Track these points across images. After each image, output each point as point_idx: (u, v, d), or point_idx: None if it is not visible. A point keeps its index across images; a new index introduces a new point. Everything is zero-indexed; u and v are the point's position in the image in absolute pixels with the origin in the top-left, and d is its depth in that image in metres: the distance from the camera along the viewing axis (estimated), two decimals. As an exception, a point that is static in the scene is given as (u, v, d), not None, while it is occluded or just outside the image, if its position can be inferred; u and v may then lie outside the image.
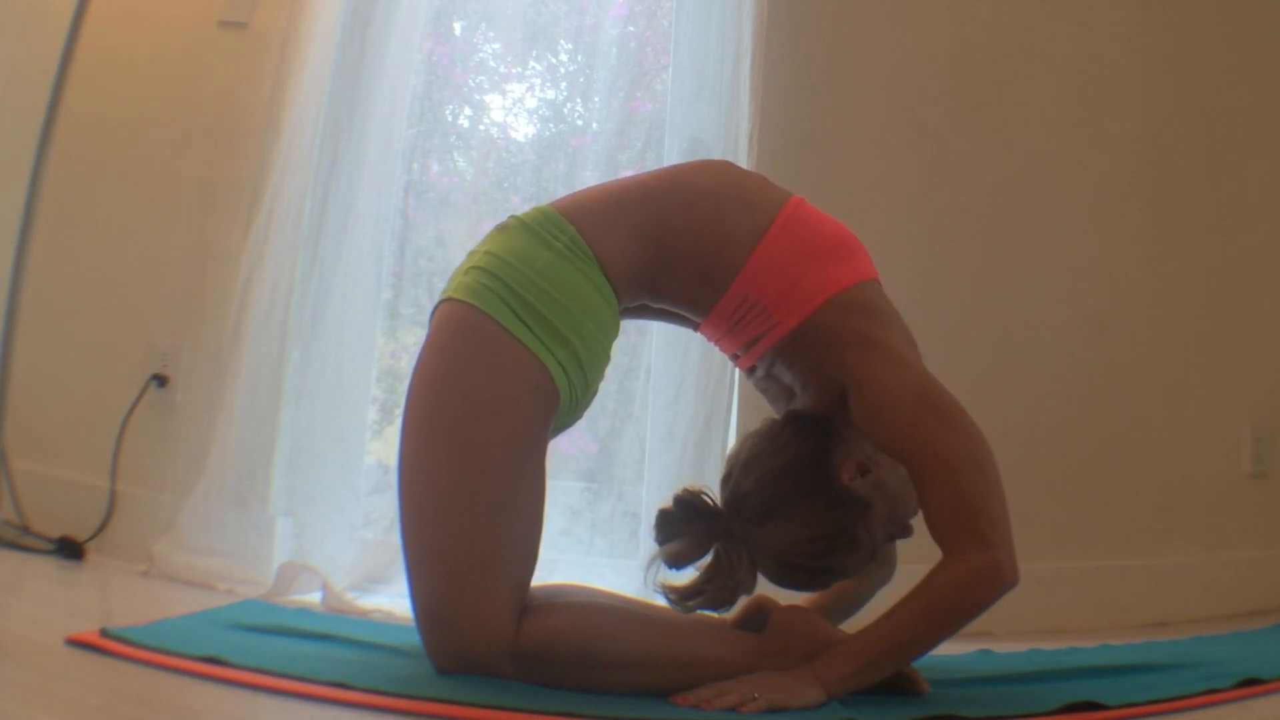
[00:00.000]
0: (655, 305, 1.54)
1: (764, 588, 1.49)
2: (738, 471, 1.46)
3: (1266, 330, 2.55)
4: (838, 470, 1.43)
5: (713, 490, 1.48)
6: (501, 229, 1.48)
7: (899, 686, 1.39)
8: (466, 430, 1.35)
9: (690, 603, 1.43)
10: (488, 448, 1.35)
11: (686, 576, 1.46)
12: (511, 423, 1.36)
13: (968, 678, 1.55)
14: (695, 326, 1.57)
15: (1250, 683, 1.37)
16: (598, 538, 2.28)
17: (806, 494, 1.42)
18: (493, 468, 1.35)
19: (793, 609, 1.47)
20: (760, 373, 1.56)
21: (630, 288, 1.46)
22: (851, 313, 1.44)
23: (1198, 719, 1.28)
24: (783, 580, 1.47)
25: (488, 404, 1.36)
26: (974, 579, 1.29)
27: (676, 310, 1.55)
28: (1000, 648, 1.85)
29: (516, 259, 1.40)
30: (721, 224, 1.47)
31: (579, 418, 1.54)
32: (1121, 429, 2.43)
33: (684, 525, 1.44)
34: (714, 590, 1.43)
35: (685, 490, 1.47)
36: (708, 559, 1.45)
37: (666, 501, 1.47)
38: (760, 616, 1.48)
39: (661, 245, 1.45)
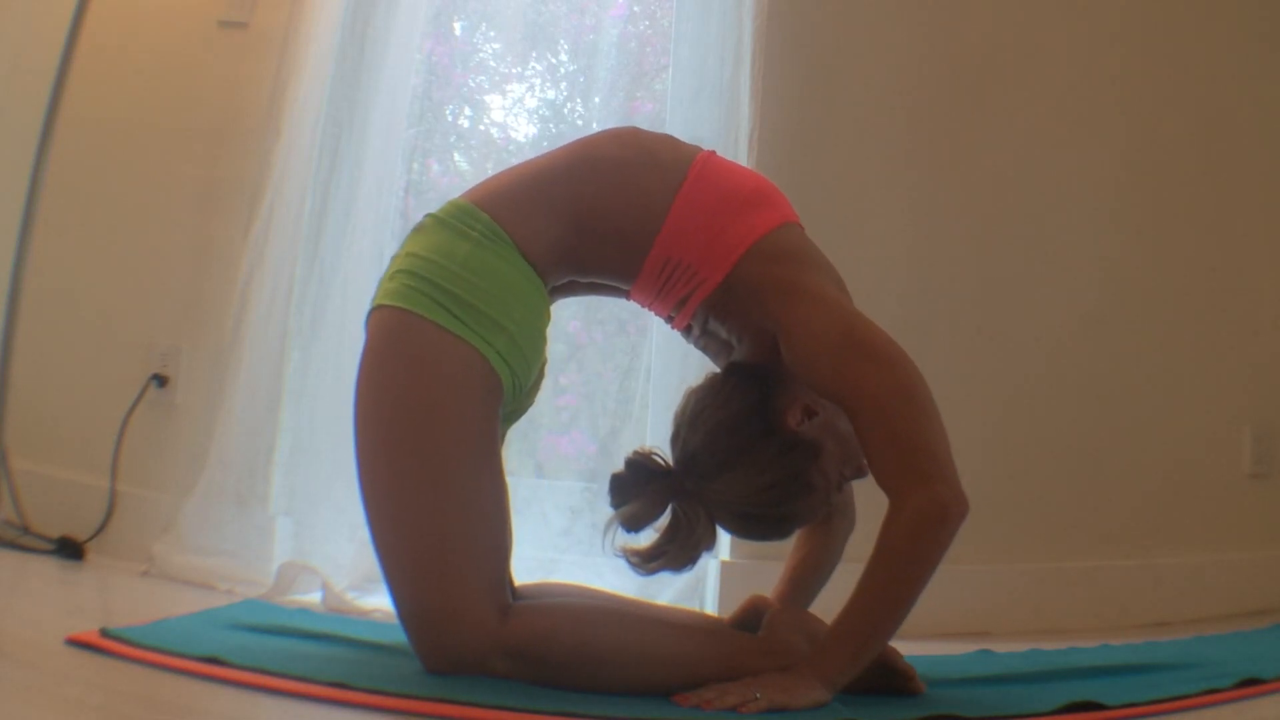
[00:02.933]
0: (583, 280, 1.53)
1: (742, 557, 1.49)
2: (685, 428, 1.45)
3: (1266, 330, 2.55)
4: (783, 415, 1.42)
5: (664, 451, 1.48)
6: (418, 229, 1.48)
7: (896, 687, 1.39)
8: (417, 430, 1.35)
9: (652, 564, 1.43)
10: (440, 445, 1.35)
11: (647, 540, 1.45)
12: (460, 417, 1.36)
13: (968, 678, 1.55)
14: (626, 295, 1.56)
15: (1250, 683, 1.37)
16: (598, 537, 2.27)
17: (755, 443, 1.41)
18: (448, 464, 1.34)
19: (789, 609, 1.47)
20: (696, 331, 1.55)
21: (554, 266, 1.45)
22: (774, 259, 1.42)
23: (1198, 719, 1.28)
24: (743, 532, 1.46)
25: (433, 401, 1.35)
26: (922, 522, 1.27)
27: (605, 281, 1.54)
28: (1000, 648, 1.85)
29: (437, 255, 1.40)
30: (633, 189, 1.46)
31: (529, 405, 1.54)
32: (1121, 428, 2.43)
33: (637, 487, 1.44)
34: (675, 550, 1.42)
35: (636, 452, 1.47)
36: (665, 520, 1.44)
37: (618, 466, 1.47)
38: (756, 616, 1.48)
39: (577, 219, 1.45)
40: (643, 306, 1.58)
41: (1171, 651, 1.72)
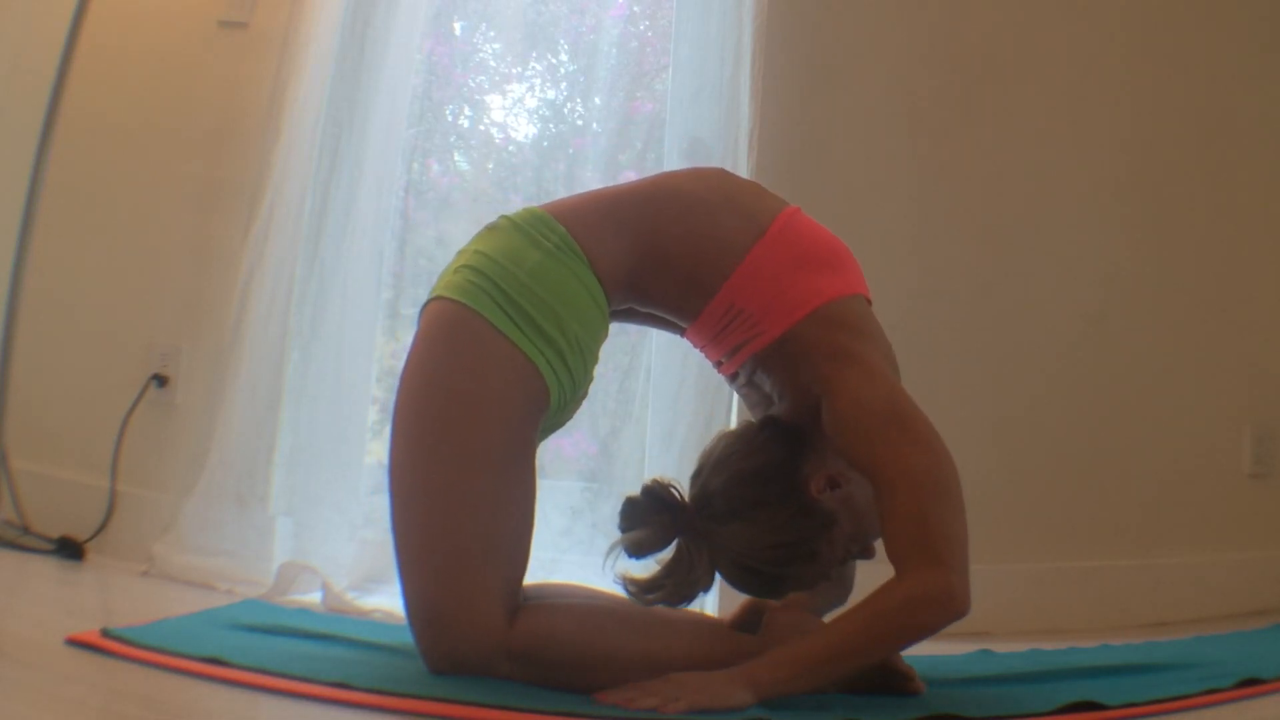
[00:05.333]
0: (643, 310, 1.54)
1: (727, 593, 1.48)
2: (708, 469, 1.45)
3: (1266, 330, 2.55)
4: (807, 480, 1.42)
5: (683, 485, 1.47)
6: (491, 228, 1.48)
7: (896, 687, 1.39)
8: (456, 428, 1.35)
9: (649, 596, 1.42)
10: (477, 445, 1.35)
11: (647, 570, 1.45)
12: (501, 420, 1.36)
13: (968, 678, 1.55)
14: (682, 332, 1.57)
15: (1250, 683, 1.37)
16: (598, 538, 2.28)
17: (772, 500, 1.41)
18: (482, 465, 1.35)
19: (788, 610, 1.47)
20: (742, 380, 1.55)
21: (619, 290, 1.46)
22: (834, 325, 1.43)
23: (1198, 719, 1.28)
24: (738, 583, 1.46)
25: (477, 402, 1.36)
26: (924, 600, 1.27)
27: (664, 315, 1.54)
28: (1000, 648, 1.85)
29: (505, 258, 1.40)
30: (712, 231, 1.46)
31: (567, 419, 1.53)
32: (1121, 429, 2.43)
33: (649, 515, 1.43)
34: (672, 585, 1.42)
35: (654, 481, 1.47)
36: (669, 553, 1.44)
37: (634, 491, 1.47)
38: (755, 617, 1.48)
39: (651, 250, 1.45)
40: (695, 346, 1.59)
41: (1171, 651, 1.72)
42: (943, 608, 1.27)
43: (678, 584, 1.42)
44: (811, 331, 1.42)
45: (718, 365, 1.58)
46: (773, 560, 1.41)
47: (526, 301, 1.37)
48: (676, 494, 1.46)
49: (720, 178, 1.59)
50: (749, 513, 1.40)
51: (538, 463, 1.45)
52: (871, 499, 1.40)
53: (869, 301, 1.53)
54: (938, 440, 1.36)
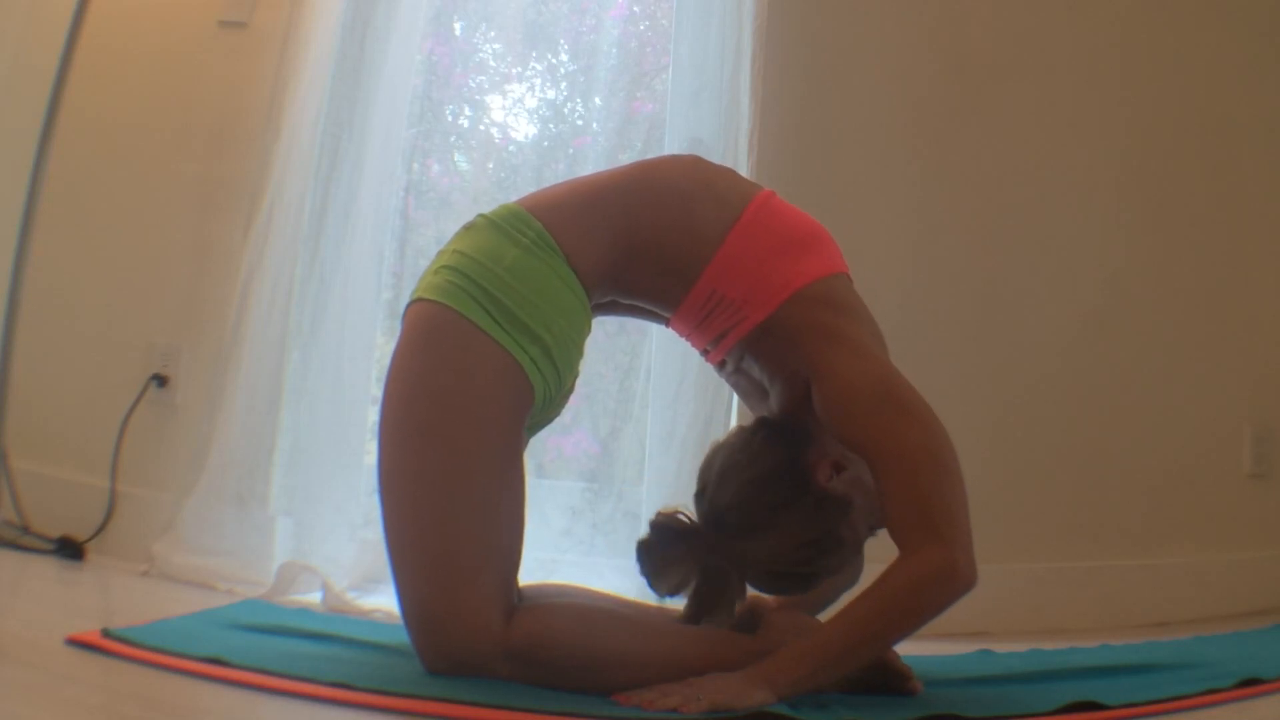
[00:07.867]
0: (625, 301, 1.53)
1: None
2: (713, 485, 1.43)
3: (1266, 330, 2.55)
4: (813, 472, 1.41)
5: (687, 508, 1.46)
6: (468, 228, 1.48)
7: (893, 686, 1.39)
8: (443, 428, 1.35)
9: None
10: (465, 445, 1.35)
11: (679, 604, 1.45)
12: (488, 420, 1.36)
13: (968, 678, 1.55)
14: (666, 322, 1.57)
15: (1250, 683, 1.37)
16: (598, 538, 2.28)
17: (787, 502, 1.40)
18: (471, 465, 1.35)
19: (785, 610, 1.47)
20: (730, 367, 1.55)
21: (599, 283, 1.46)
22: (818, 305, 1.42)
23: (1198, 719, 1.28)
24: (772, 588, 1.46)
25: (463, 402, 1.36)
26: (930, 579, 1.27)
27: (646, 306, 1.54)
28: (1000, 648, 1.85)
29: (484, 256, 1.40)
30: (689, 219, 1.46)
31: (555, 416, 1.53)
32: (1121, 428, 2.43)
33: (665, 550, 1.42)
34: (711, 616, 1.42)
35: (660, 514, 1.45)
36: (696, 581, 1.43)
37: (644, 532, 1.45)
38: (753, 617, 1.48)
39: (629, 241, 1.45)
40: (680, 336, 1.58)
41: (1171, 651, 1.72)
42: (950, 584, 1.27)
43: (713, 609, 1.41)
44: (796, 314, 1.42)
45: (704, 354, 1.57)
46: (803, 560, 1.40)
47: (508, 299, 1.37)
48: (687, 520, 1.44)
49: (695, 165, 1.58)
50: (767, 520, 1.39)
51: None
52: None
53: (850, 279, 1.52)
54: (930, 414, 1.35)
